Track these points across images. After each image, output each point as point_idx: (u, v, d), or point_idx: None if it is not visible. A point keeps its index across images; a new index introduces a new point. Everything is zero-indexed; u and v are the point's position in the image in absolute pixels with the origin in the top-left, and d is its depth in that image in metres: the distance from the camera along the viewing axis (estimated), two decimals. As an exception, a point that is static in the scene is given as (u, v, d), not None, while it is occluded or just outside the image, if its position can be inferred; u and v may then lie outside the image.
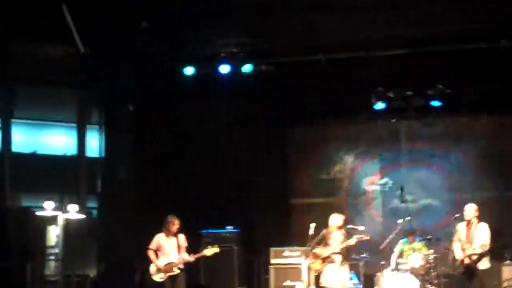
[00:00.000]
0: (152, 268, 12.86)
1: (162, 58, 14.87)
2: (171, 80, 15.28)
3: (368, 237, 12.88)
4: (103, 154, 15.60)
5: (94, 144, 15.88)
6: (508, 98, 15.33)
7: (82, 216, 14.21)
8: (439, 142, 15.95)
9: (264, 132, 15.77)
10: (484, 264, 12.10)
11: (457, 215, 12.60)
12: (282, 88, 15.56)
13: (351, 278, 13.26)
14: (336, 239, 12.80)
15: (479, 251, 11.93)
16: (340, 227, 12.91)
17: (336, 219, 12.95)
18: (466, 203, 12.75)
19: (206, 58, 14.96)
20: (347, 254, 12.89)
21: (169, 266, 12.76)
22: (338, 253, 12.76)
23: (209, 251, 12.95)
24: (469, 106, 15.57)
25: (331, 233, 12.89)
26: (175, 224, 12.88)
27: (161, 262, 12.79)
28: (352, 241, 12.73)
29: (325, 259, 12.86)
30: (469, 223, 12.28)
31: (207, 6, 13.54)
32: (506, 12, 13.08)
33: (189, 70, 15.13)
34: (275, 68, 15.02)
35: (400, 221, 13.53)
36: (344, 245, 12.69)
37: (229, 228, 14.86)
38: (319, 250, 12.87)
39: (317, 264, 12.97)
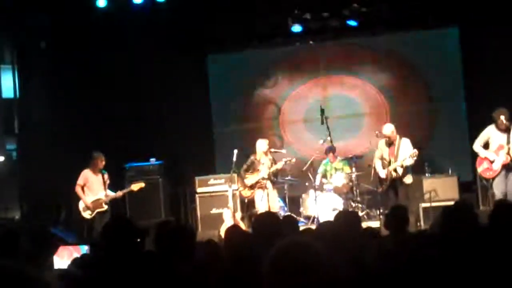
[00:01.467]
0: (81, 205, 12.82)
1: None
2: (83, 14, 14.94)
3: (294, 159, 13.02)
4: (17, 95, 15.24)
5: (10, 85, 15.47)
6: (423, 14, 15.40)
7: (1, 158, 13.96)
8: (357, 62, 16.00)
9: (183, 61, 15.57)
10: (408, 178, 12.40)
11: (377, 132, 12.79)
12: (198, 14, 15.35)
13: (278, 201, 13.43)
14: (264, 164, 12.92)
15: (410, 161, 12.19)
16: (265, 152, 13.02)
17: (261, 144, 13.05)
18: (385, 122, 12.96)
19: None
20: (274, 178, 13.05)
21: (97, 203, 12.75)
22: (267, 178, 12.90)
23: (136, 186, 12.99)
24: (385, 24, 15.59)
25: (258, 159, 13.00)
26: (103, 161, 12.84)
27: (88, 199, 12.75)
28: (279, 165, 12.90)
29: (254, 185, 13.01)
30: (389, 141, 12.49)
31: None
32: None
33: (101, 2, 14.83)
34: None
35: (321, 141, 13.64)
36: (273, 169, 12.84)
37: (153, 160, 14.79)
38: (248, 177, 13.02)
39: (246, 191, 13.12)
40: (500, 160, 11.94)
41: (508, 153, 11.87)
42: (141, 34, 15.24)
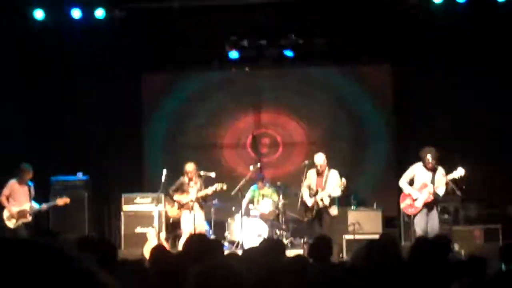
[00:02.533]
0: (5, 214, 12.70)
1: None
2: (21, 26, 14.77)
3: (225, 187, 13.04)
4: None
5: None
6: (359, 50, 15.68)
7: None
8: (292, 92, 16.17)
9: (118, 80, 15.51)
10: (333, 209, 12.58)
11: (306, 161, 12.95)
12: (136, 35, 15.33)
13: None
14: (194, 187, 12.96)
15: (338, 192, 12.37)
16: (193, 175, 13.05)
17: (190, 167, 13.08)
18: (317, 152, 13.13)
19: (57, 1, 14.56)
20: (202, 201, 13.10)
21: (22, 213, 12.67)
22: (196, 201, 12.95)
23: (61, 201, 12.91)
24: (320, 57, 15.81)
25: (188, 181, 13.03)
26: (30, 174, 12.76)
27: (13, 208, 12.63)
28: (209, 190, 12.93)
29: (183, 206, 13.03)
30: (319, 171, 12.67)
31: None
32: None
33: (38, 14, 14.68)
34: (128, 14, 14.81)
35: (251, 167, 13.73)
36: (202, 193, 12.89)
37: (79, 174, 14.66)
38: (177, 197, 13.03)
39: (174, 210, 13.13)
40: (422, 198, 12.16)
41: (431, 192, 12.09)
42: (77, 49, 15.16)
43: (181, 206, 13.11)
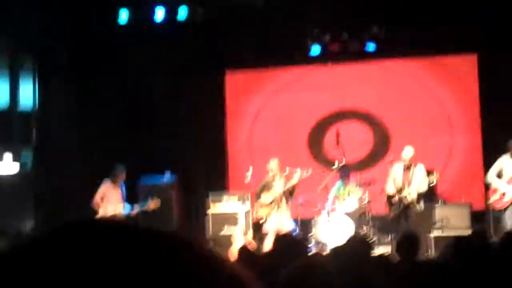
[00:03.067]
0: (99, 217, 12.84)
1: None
2: (106, 26, 15.06)
3: (310, 171, 12.98)
4: (36, 105, 15.29)
5: (29, 95, 15.48)
6: (442, 40, 15.40)
7: (17, 170, 13.95)
8: (375, 86, 16.02)
9: (201, 78, 15.65)
10: (419, 206, 12.41)
11: (391, 159, 12.81)
12: (218, 33, 15.45)
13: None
14: (278, 182, 12.95)
15: (425, 187, 12.23)
16: (277, 172, 13.05)
17: (272, 164, 13.09)
18: (403, 147, 12.97)
19: (141, 2, 14.83)
20: (290, 196, 13.04)
21: (115, 217, 12.69)
22: (282, 194, 12.92)
23: (153, 204, 12.92)
24: (403, 49, 15.60)
25: (271, 178, 13.03)
26: (124, 175, 12.86)
27: (109, 212, 12.69)
28: (295, 180, 12.88)
29: (269, 205, 13.01)
30: (406, 165, 12.51)
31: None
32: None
33: (123, 15, 14.95)
34: (211, 11, 14.93)
35: (335, 166, 13.66)
36: (288, 185, 12.84)
37: (167, 173, 14.78)
38: (263, 197, 13.02)
39: (263, 209, 13.13)
40: (511, 191, 11.89)
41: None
42: (160, 50, 15.36)
43: (268, 205, 13.10)
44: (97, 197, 12.80)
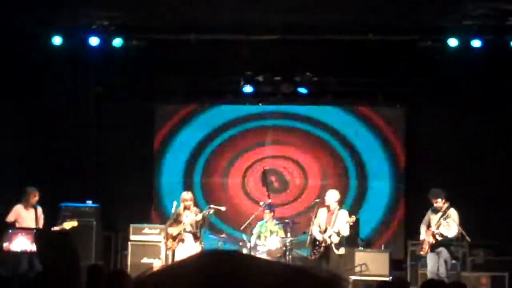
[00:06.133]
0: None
1: (30, 26, 14.41)
2: (38, 50, 14.85)
3: (223, 208, 13.02)
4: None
5: None
6: (371, 90, 15.76)
7: None
8: (304, 128, 16.21)
9: (132, 107, 15.60)
10: (341, 249, 12.56)
11: (317, 200, 12.96)
12: (152, 64, 15.44)
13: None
14: (187, 218, 12.92)
15: (346, 230, 12.41)
16: (187, 207, 13.01)
17: (187, 194, 13.09)
18: (327, 190, 13.14)
19: (76, 29, 14.65)
20: (197, 231, 12.99)
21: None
22: (189, 231, 12.87)
23: (68, 224, 12.82)
24: (333, 95, 15.87)
25: (183, 209, 13.01)
26: (35, 196, 12.73)
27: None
28: (198, 217, 12.87)
29: (176, 238, 12.93)
30: (329, 209, 12.69)
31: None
32: (374, 7, 13.45)
33: (57, 40, 14.76)
34: (147, 44, 14.90)
35: (261, 203, 13.72)
36: (192, 222, 12.83)
37: (89, 202, 14.65)
38: (171, 229, 12.97)
39: (169, 242, 13.07)
40: (427, 239, 12.24)
41: (434, 233, 12.12)
42: (92, 75, 15.27)
43: (174, 238, 13.01)
44: (9, 219, 12.69)
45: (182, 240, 12.83)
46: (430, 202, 12.35)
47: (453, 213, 12.14)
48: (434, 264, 12.20)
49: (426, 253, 12.28)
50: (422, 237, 12.38)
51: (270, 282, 1.06)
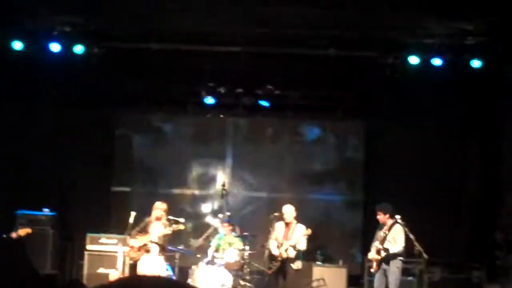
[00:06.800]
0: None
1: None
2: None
3: (183, 227, 12.95)
4: None
5: None
6: (331, 105, 15.85)
7: None
8: (265, 142, 16.23)
9: (92, 116, 15.47)
10: (297, 264, 12.55)
11: (275, 214, 12.95)
12: (113, 73, 15.34)
13: (166, 270, 13.26)
14: (156, 228, 12.81)
15: (303, 244, 12.39)
16: (159, 217, 12.92)
17: (157, 207, 12.98)
18: (284, 203, 13.14)
19: (36, 35, 14.50)
20: (164, 244, 12.92)
21: None
22: (156, 242, 12.77)
23: (23, 231, 12.64)
24: (294, 109, 15.92)
25: (151, 222, 12.90)
26: None
27: None
28: (167, 231, 12.79)
29: (141, 248, 12.83)
30: (287, 223, 12.68)
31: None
32: (336, 22, 13.53)
33: (17, 45, 14.59)
34: (107, 52, 14.81)
35: (220, 216, 13.68)
36: (160, 234, 12.73)
37: (46, 210, 14.47)
38: (138, 238, 12.85)
39: (133, 252, 12.94)
40: (372, 255, 12.23)
41: (378, 249, 12.09)
42: (52, 81, 15.13)
43: (141, 247, 12.90)
44: None
45: (148, 251, 12.72)
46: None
47: (397, 228, 12.05)
48: (381, 284, 12.12)
49: (376, 270, 12.22)
50: (370, 254, 12.33)
51: None
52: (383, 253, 12.00)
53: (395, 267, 12.04)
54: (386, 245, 11.99)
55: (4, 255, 4.86)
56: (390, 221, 12.06)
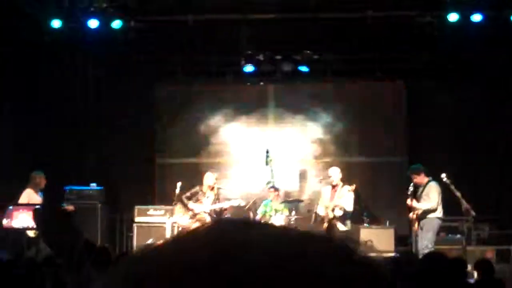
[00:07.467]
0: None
1: (28, 9, 14.37)
2: (36, 33, 14.79)
3: (243, 203, 13.03)
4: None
5: None
6: (370, 67, 15.77)
7: None
8: (306, 107, 16.21)
9: (132, 89, 15.59)
10: (345, 225, 12.60)
11: (321, 178, 12.99)
12: (151, 46, 15.43)
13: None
14: (209, 198, 12.91)
15: (350, 206, 12.47)
16: (211, 187, 13.03)
17: (209, 178, 13.08)
18: (329, 167, 13.16)
19: (74, 12, 14.60)
20: (215, 215, 13.02)
21: None
22: (208, 213, 12.88)
23: (68, 208, 12.84)
24: (333, 73, 15.88)
25: (204, 191, 12.99)
26: (43, 180, 12.70)
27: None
28: (226, 204, 12.87)
29: (195, 216, 12.92)
30: (333, 186, 12.72)
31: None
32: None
33: (56, 23, 14.70)
34: (144, 25, 14.88)
35: (265, 183, 13.75)
36: (217, 206, 12.81)
37: (93, 185, 14.66)
38: (192, 204, 12.93)
39: (185, 219, 13.02)
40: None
41: (412, 211, 12.20)
42: (91, 58, 15.26)
43: (193, 215, 13.00)
44: (22, 201, 12.63)
45: (201, 221, 12.82)
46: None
47: (430, 185, 12.20)
48: (418, 239, 12.25)
49: (417, 230, 12.34)
50: (410, 214, 12.46)
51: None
52: (418, 211, 12.12)
53: (430, 223, 12.15)
54: (419, 203, 12.10)
55: (62, 224, 4.97)
56: (425, 179, 12.18)
